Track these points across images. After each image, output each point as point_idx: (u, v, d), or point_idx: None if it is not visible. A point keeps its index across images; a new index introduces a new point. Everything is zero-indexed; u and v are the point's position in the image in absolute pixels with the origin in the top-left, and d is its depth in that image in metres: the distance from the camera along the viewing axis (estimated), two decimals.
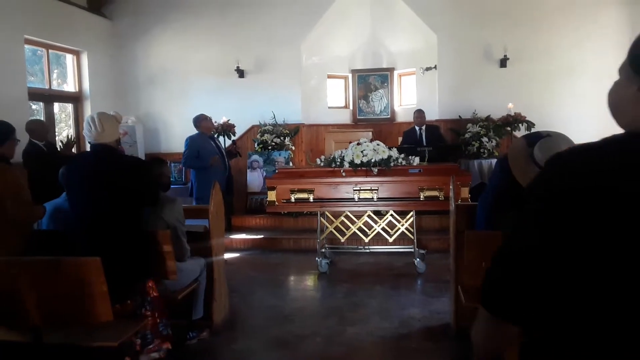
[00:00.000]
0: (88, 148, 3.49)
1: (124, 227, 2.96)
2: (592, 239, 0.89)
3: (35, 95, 7.25)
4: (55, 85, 7.82)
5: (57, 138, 7.53)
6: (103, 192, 2.92)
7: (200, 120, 6.23)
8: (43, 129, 5.74)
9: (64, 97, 8.05)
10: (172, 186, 7.42)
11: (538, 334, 1.01)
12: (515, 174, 2.79)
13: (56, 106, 7.92)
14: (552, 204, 0.94)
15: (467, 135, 7.63)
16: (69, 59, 8.05)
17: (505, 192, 2.80)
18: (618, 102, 1.02)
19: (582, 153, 0.96)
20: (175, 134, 8.78)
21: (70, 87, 8.12)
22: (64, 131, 8.31)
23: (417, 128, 7.44)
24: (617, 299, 0.89)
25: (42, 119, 7.17)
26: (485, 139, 7.47)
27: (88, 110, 8.09)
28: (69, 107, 8.16)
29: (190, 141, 6.18)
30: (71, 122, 8.17)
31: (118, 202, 2.94)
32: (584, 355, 0.93)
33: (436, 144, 7.03)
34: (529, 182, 2.84)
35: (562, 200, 0.92)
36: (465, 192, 5.04)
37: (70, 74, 8.11)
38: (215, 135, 7.08)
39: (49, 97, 7.56)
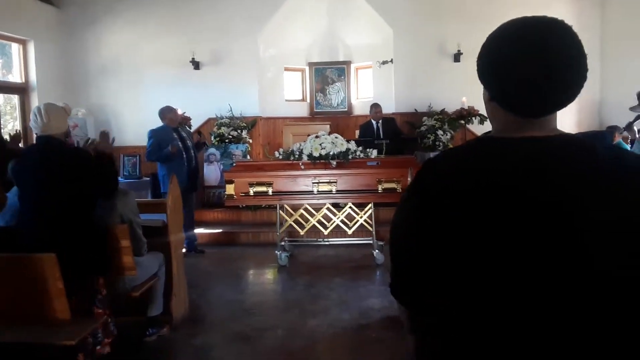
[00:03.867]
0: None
1: (74, 222, 2.87)
2: (456, 232, 0.96)
3: None
4: (0, 76, 7.48)
5: (1, 131, 7.20)
6: (51, 186, 2.83)
7: (165, 112, 6.03)
8: None
9: (9, 88, 7.70)
10: (127, 180, 7.27)
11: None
12: None
13: (1, 97, 7.58)
14: (423, 199, 1.01)
15: (422, 128, 7.77)
16: (15, 48, 7.70)
17: None
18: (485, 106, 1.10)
19: (447, 156, 1.06)
20: (128, 126, 8.56)
21: (16, 77, 7.77)
22: (9, 124, 7.97)
23: (373, 122, 7.52)
24: (483, 292, 0.95)
25: None
26: (440, 132, 7.63)
27: (35, 102, 7.77)
28: (15, 98, 7.82)
29: (152, 133, 5.99)
30: (17, 114, 7.83)
31: (67, 196, 2.85)
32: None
33: (393, 136, 7.13)
34: None
35: (431, 196, 1.00)
36: None
37: (16, 63, 7.76)
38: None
39: None
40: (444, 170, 1.02)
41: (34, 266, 2.45)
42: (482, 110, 7.59)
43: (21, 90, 7.77)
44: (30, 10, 7.75)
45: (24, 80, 7.79)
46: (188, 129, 6.46)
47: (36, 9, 7.90)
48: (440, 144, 7.62)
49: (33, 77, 7.82)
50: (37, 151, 2.99)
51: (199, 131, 7.16)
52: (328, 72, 9.26)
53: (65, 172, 2.87)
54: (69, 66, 8.46)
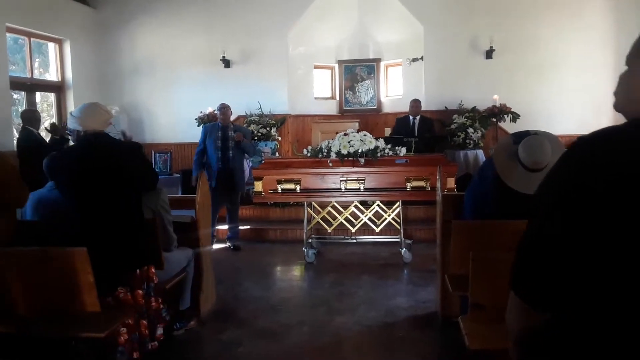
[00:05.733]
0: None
1: (120, 214, 2.90)
2: (617, 226, 0.89)
3: (17, 84, 7.12)
4: (37, 75, 7.70)
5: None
6: (97, 180, 2.85)
7: (217, 108, 6.19)
8: (37, 117, 5.74)
9: (46, 86, 7.93)
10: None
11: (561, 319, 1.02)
12: (497, 169, 2.83)
13: (38, 95, 7.79)
14: (576, 189, 0.94)
15: (453, 126, 7.68)
16: (51, 47, 7.92)
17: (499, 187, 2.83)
18: (631, 91, 1.02)
19: (604, 137, 0.96)
20: (160, 124, 8.70)
21: (52, 76, 7.99)
22: (46, 121, 8.18)
23: (411, 117, 7.48)
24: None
25: (25, 108, 7.06)
26: (471, 130, 7.52)
27: (71, 100, 7.98)
28: (51, 96, 8.04)
29: (203, 128, 6.22)
30: (53, 111, 8.04)
31: (112, 189, 2.88)
32: (606, 343, 0.94)
33: (424, 135, 7.07)
34: (510, 178, 2.86)
35: (586, 185, 0.92)
36: (451, 183, 5.08)
37: (52, 62, 7.98)
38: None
39: (30, 87, 7.44)
40: (600, 157, 0.93)
41: (66, 260, 2.51)
42: (515, 107, 7.48)
43: (57, 88, 7.99)
44: (67, 11, 7.95)
45: (60, 79, 8.00)
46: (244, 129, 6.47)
47: (72, 9, 8.10)
48: (471, 142, 7.51)
49: (69, 75, 8.03)
50: (79, 147, 3.02)
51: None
52: (357, 70, 9.23)
53: (110, 165, 2.89)
54: (103, 65, 8.65)
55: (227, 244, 6.22)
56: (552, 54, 7.88)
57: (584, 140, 0.98)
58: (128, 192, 2.96)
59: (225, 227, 6.32)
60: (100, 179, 2.86)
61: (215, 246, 5.96)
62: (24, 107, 7.18)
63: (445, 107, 8.04)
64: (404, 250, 5.47)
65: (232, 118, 8.23)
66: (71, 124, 2.98)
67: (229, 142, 6.04)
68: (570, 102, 7.89)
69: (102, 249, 2.68)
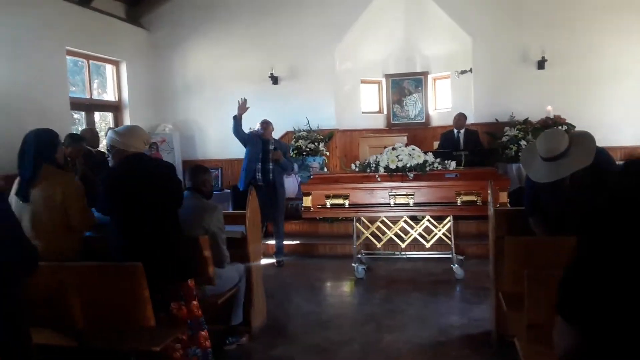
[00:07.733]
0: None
1: (159, 232, 2.94)
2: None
3: (77, 104, 7.46)
4: (95, 95, 8.04)
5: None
6: (138, 198, 2.90)
7: (260, 124, 6.36)
8: (95, 136, 5.92)
9: (104, 106, 8.27)
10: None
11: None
12: (522, 163, 3.07)
13: (97, 115, 8.13)
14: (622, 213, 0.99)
15: (504, 139, 7.49)
16: (109, 69, 8.27)
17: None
18: None
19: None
20: (211, 140, 8.90)
21: (110, 96, 8.33)
22: (104, 140, 8.52)
23: (455, 131, 7.36)
24: None
25: (85, 128, 7.36)
26: (523, 142, 7.31)
27: (127, 119, 8.28)
28: (109, 116, 8.38)
29: (250, 131, 6.42)
30: None
31: (151, 206, 2.92)
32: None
33: (472, 148, 6.93)
34: (529, 169, 3.04)
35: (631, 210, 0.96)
36: (504, 197, 4.94)
37: (110, 83, 8.33)
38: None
39: (89, 107, 7.78)
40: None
41: (122, 275, 2.59)
42: (570, 118, 7.23)
43: (114, 108, 8.32)
44: (123, 34, 8.30)
45: (117, 99, 8.33)
46: (284, 145, 6.59)
47: (128, 32, 8.45)
48: None
49: (125, 95, 8.35)
50: (123, 166, 3.09)
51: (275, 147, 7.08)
52: (405, 84, 9.18)
53: (148, 184, 2.95)
54: (157, 85, 8.96)
55: (274, 260, 6.25)
56: (608, 63, 7.60)
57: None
58: (166, 208, 3.01)
59: (273, 242, 6.37)
60: (141, 197, 2.90)
61: (263, 261, 6.01)
62: (84, 127, 7.49)
63: (496, 120, 7.87)
64: (455, 267, 5.36)
65: (280, 134, 8.38)
66: (113, 141, 2.99)
67: (269, 155, 6.15)
68: (628, 113, 7.58)
69: (145, 265, 2.71)
